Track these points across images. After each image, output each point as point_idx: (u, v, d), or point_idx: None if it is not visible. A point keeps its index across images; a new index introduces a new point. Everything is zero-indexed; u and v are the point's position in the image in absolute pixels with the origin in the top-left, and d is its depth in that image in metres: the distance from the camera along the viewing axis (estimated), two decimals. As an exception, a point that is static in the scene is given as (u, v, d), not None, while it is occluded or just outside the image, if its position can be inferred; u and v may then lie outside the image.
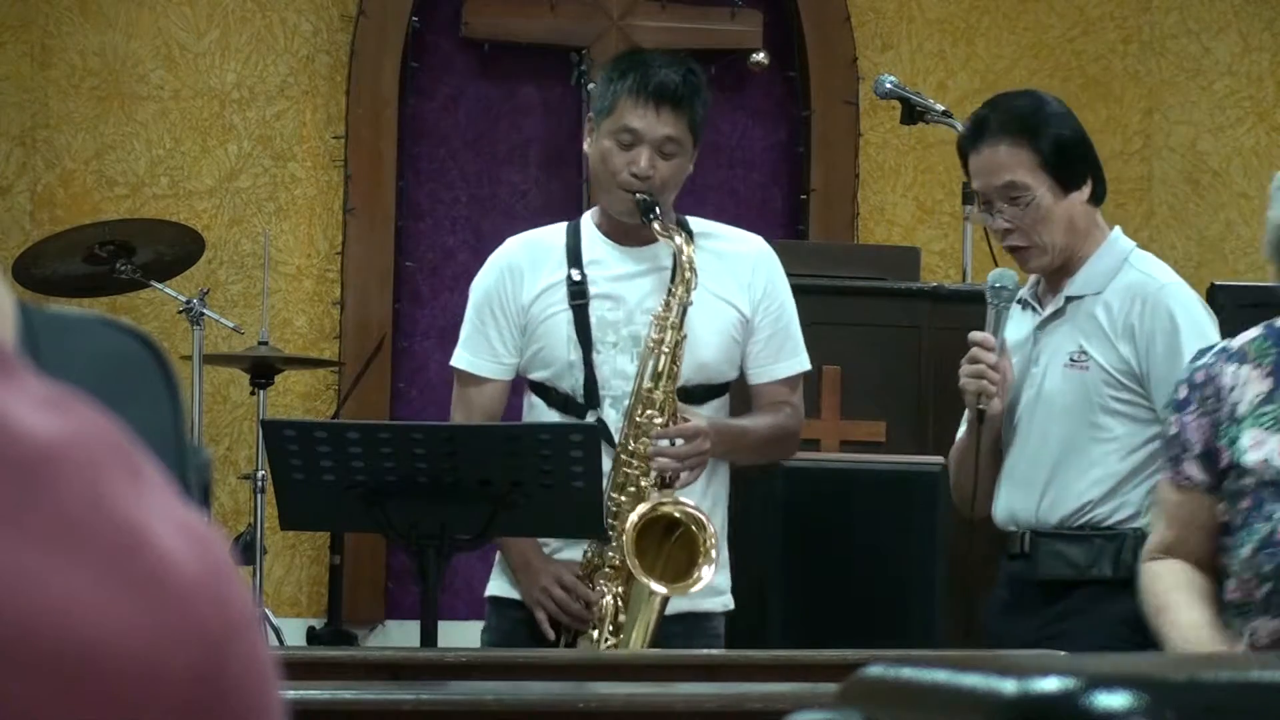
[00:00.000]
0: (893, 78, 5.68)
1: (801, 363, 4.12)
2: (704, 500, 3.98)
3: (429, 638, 3.71)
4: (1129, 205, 7.42)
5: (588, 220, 4.13)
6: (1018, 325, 4.16)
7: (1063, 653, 3.59)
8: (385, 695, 2.77)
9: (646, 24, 7.23)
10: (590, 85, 6.73)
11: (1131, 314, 4.02)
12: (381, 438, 3.66)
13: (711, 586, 3.91)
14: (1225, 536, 3.41)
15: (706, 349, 4.01)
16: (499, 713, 2.72)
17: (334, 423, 5.58)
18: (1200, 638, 3.36)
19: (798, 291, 4.18)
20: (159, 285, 6.24)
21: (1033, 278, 4.20)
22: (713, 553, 3.84)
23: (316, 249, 7.11)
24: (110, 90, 7.00)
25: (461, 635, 6.20)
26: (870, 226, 7.39)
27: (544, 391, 4.06)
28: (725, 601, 4.06)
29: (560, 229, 4.14)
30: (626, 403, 3.94)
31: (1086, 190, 4.10)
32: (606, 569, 3.94)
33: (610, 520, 3.90)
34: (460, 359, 4.11)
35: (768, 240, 4.22)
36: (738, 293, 4.06)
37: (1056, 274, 4.12)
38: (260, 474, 6.25)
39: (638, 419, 3.90)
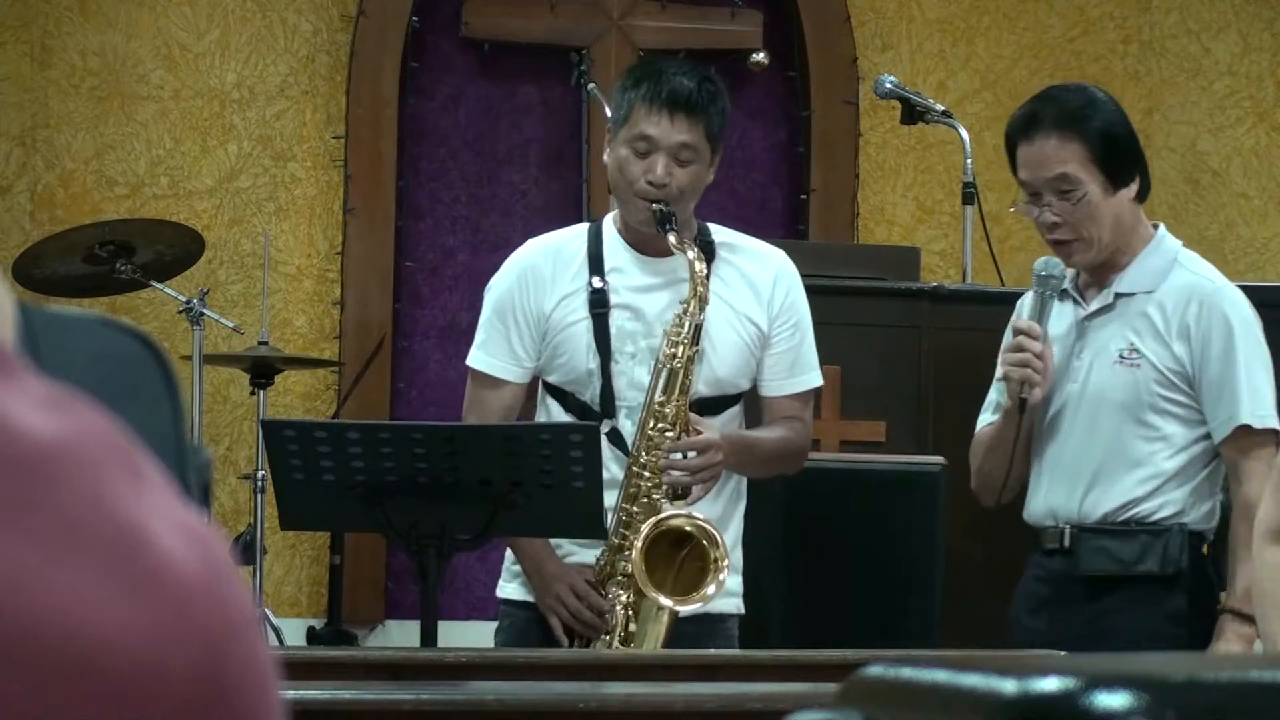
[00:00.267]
0: (893, 78, 5.68)
1: (815, 379, 4.10)
2: (715, 506, 3.96)
3: (429, 638, 3.71)
4: (1129, 205, 7.42)
5: (609, 225, 4.09)
6: (1059, 317, 4.12)
7: (1062, 653, 3.57)
8: (385, 695, 2.77)
9: (646, 24, 7.23)
10: (590, 85, 6.74)
11: (1187, 315, 4.00)
12: (381, 438, 3.65)
13: (727, 589, 3.91)
14: None
15: (723, 363, 4.00)
16: (499, 713, 2.72)
17: (334, 423, 5.58)
18: None
19: (797, 292, 4.18)
20: (159, 285, 6.24)
21: (1072, 270, 4.16)
22: (722, 568, 3.83)
23: (316, 249, 7.11)
24: (110, 90, 7.00)
25: (461, 635, 6.21)
26: (870, 226, 7.39)
27: (561, 396, 4.04)
28: (738, 604, 4.05)
29: (581, 233, 4.11)
30: (640, 414, 3.93)
31: (1134, 187, 4.08)
32: (619, 577, 3.93)
33: (623, 530, 3.89)
34: (477, 359, 4.07)
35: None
36: (756, 307, 4.04)
37: (1100, 269, 4.09)
38: (260, 474, 6.25)
39: (649, 432, 3.89)
